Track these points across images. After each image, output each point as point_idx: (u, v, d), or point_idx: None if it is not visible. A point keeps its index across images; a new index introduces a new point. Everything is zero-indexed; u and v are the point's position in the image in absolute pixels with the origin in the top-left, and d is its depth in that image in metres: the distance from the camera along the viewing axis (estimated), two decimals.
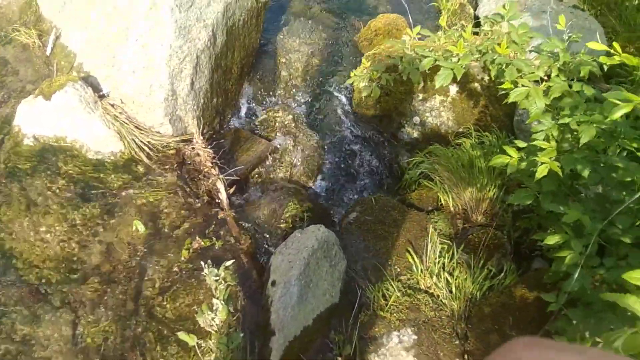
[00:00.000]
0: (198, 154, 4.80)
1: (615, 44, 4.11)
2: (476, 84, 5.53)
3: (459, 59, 4.93)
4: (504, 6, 4.99)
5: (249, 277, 4.36)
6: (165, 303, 4.12)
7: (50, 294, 4.01)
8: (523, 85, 4.39)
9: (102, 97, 4.88)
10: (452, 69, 4.82)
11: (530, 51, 4.93)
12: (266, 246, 4.74)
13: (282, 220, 4.85)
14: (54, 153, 4.58)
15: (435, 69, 5.16)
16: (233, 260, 4.19)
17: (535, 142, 4.04)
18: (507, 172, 4.17)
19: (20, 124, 4.74)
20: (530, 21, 6.18)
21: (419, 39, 5.79)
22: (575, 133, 3.94)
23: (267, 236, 4.80)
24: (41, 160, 4.54)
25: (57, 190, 4.39)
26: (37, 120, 4.72)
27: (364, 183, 5.61)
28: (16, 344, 3.82)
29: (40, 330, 3.85)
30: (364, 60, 6.05)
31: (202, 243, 4.36)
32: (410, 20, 6.66)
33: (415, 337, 4.20)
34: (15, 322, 3.89)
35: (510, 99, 4.36)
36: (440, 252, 4.56)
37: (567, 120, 3.89)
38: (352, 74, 5.85)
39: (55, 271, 4.10)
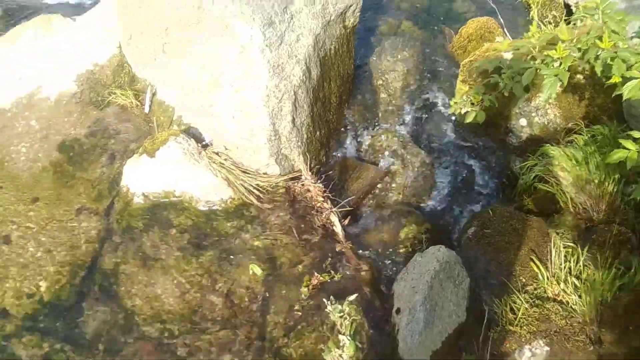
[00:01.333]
0: (308, 190, 4.78)
1: None
2: (579, 76, 5.33)
3: (560, 63, 4.72)
4: None
5: (372, 307, 4.30)
6: (290, 343, 4.10)
7: (175, 347, 4.05)
8: (633, 77, 4.16)
9: (205, 146, 4.96)
10: (556, 75, 4.62)
11: (632, 37, 4.70)
12: (387, 273, 4.67)
13: (400, 245, 4.78)
14: (165, 208, 4.67)
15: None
16: (356, 295, 4.13)
17: None
18: (627, 166, 3.96)
19: (128, 184, 4.87)
20: (619, 3, 5.89)
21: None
22: None
23: (387, 262, 4.74)
24: (153, 216, 4.65)
25: (172, 243, 4.46)
26: (144, 178, 4.82)
27: (478, 195, 5.47)
28: None
29: None
30: (461, 69, 5.91)
31: (321, 278, 4.32)
32: (501, 20, 6.51)
33: (547, 348, 4.05)
34: None
35: (625, 95, 4.14)
36: (565, 256, 4.38)
37: None
38: (452, 103, 5.68)
39: (177, 323, 4.18)
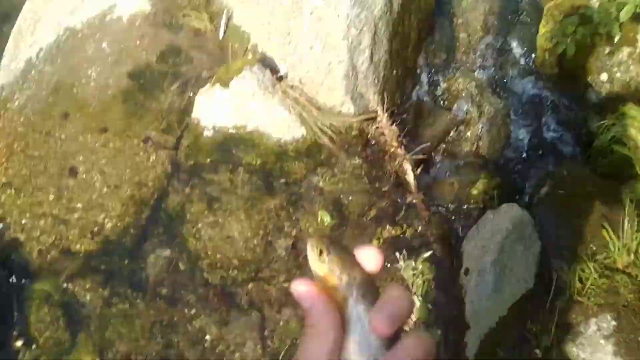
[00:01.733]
0: (383, 133, 4.61)
1: None
2: None
3: None
4: None
5: (441, 266, 4.25)
6: None
7: (237, 295, 4.05)
8: None
9: (280, 79, 4.80)
10: None
11: None
12: (456, 229, 4.59)
13: (471, 200, 4.67)
14: (235, 144, 4.57)
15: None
16: (431, 252, 4.06)
17: None
18: None
19: (199, 116, 4.76)
20: None
21: None
22: None
23: (457, 218, 4.66)
24: (222, 153, 4.56)
25: (239, 184, 4.38)
26: (216, 110, 4.71)
27: (552, 152, 5.30)
28: (206, 349, 3.86)
29: (229, 333, 3.89)
30: (545, 13, 5.65)
31: (393, 232, 4.25)
32: None
33: (614, 323, 3.97)
34: (204, 325, 3.93)
35: None
36: (637, 226, 4.25)
37: None
38: (541, 30, 5.44)
39: (241, 270, 4.15)
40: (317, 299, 0.89)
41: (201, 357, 3.90)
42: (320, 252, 0.92)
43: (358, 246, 0.94)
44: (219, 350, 3.89)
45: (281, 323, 3.97)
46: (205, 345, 3.92)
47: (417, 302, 3.85)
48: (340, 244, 0.94)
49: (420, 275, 3.92)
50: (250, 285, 4.10)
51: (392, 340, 0.87)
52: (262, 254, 4.20)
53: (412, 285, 3.92)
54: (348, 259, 0.92)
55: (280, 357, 3.84)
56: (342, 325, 0.88)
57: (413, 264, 3.90)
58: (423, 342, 0.88)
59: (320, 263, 0.93)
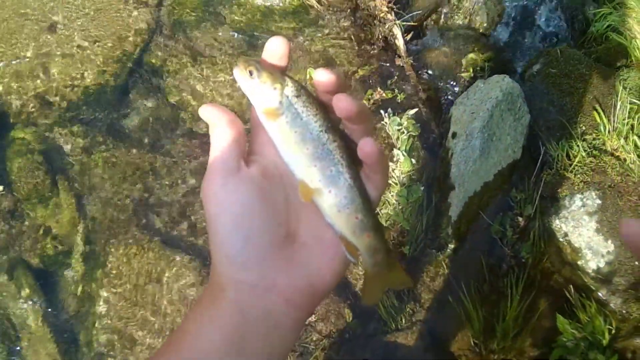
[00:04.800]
0: None
1: None
2: None
3: None
4: None
5: (427, 128, 4.18)
6: None
7: None
8: None
9: None
10: None
11: None
12: (446, 96, 4.47)
13: (462, 69, 4.56)
14: (220, 1, 4.44)
15: None
16: (416, 109, 3.98)
17: None
18: None
19: None
20: None
21: None
22: None
23: (447, 85, 4.54)
24: (206, 9, 4.43)
25: (224, 41, 4.26)
26: None
27: (546, 33, 5.17)
28: (187, 195, 3.79)
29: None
30: None
31: (384, 95, 4.16)
32: None
33: (599, 201, 3.91)
34: (185, 172, 3.86)
35: None
36: (629, 112, 4.18)
37: None
38: None
39: None
40: (212, 110, 0.97)
41: (182, 200, 3.83)
42: (250, 73, 0.97)
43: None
44: (199, 195, 3.81)
45: None
46: (187, 190, 3.84)
47: (402, 157, 3.76)
48: (265, 61, 0.99)
49: (405, 131, 3.83)
50: None
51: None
52: (246, 106, 4.06)
53: (397, 140, 3.83)
54: (276, 71, 0.99)
55: None
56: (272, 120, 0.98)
57: (398, 119, 3.80)
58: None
59: (252, 82, 0.98)
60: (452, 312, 3.82)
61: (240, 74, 0.99)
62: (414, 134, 3.94)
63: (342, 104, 0.93)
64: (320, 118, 0.97)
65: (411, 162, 3.81)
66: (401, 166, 3.76)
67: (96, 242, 3.94)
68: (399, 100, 4.22)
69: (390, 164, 3.76)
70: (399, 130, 3.80)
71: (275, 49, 0.99)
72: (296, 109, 0.98)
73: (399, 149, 3.82)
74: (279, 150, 0.99)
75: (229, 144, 0.96)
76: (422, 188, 3.81)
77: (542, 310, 3.87)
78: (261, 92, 0.98)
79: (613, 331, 3.74)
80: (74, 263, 3.95)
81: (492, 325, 3.80)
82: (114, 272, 3.86)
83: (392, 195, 3.82)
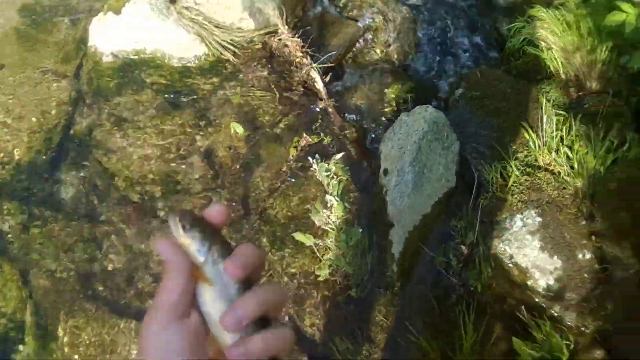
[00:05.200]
0: (286, 45, 4.52)
1: None
2: None
3: None
4: None
5: (359, 168, 4.17)
6: (276, 204, 3.99)
7: (157, 209, 3.97)
8: None
9: (173, 1, 4.67)
10: None
11: None
12: (372, 133, 4.48)
13: (385, 104, 4.55)
14: (137, 66, 4.48)
15: None
16: (343, 153, 3.97)
17: None
18: (624, 30, 3.77)
19: (95, 44, 4.64)
20: None
21: None
22: None
23: (372, 122, 4.54)
24: (124, 75, 4.44)
25: (146, 103, 4.27)
26: (112, 37, 4.60)
27: (464, 55, 5.22)
28: (131, 261, 3.80)
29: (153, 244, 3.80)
30: None
31: (310, 140, 4.15)
32: None
33: (539, 219, 3.91)
34: (126, 239, 3.83)
35: None
36: (556, 124, 4.20)
37: None
38: None
39: (158, 185, 4.06)
40: (172, 252, 1.01)
41: (126, 267, 3.78)
42: (183, 227, 1.02)
43: (206, 208, 1.07)
44: (142, 260, 3.80)
45: None
46: (129, 257, 3.80)
47: (335, 202, 3.73)
48: (199, 217, 1.06)
49: (335, 176, 3.80)
50: (168, 198, 4.00)
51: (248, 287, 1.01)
52: (177, 167, 4.09)
53: (328, 186, 3.80)
54: (207, 229, 1.04)
55: None
56: (197, 277, 1.01)
57: (326, 165, 3.77)
58: (275, 289, 1.04)
59: (183, 235, 1.02)
60: (408, 348, 3.78)
61: (174, 225, 1.03)
62: (343, 177, 3.90)
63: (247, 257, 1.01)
64: (239, 281, 1.00)
65: (344, 206, 3.77)
66: (335, 211, 3.73)
67: (45, 315, 3.85)
68: (326, 143, 4.19)
69: (325, 210, 3.73)
70: (327, 176, 3.77)
71: (214, 214, 1.06)
72: (219, 269, 1.00)
73: (331, 194, 3.78)
74: (199, 302, 1.02)
75: (182, 289, 0.99)
76: (360, 230, 3.76)
77: (497, 335, 3.83)
78: (190, 247, 1.02)
79: (572, 346, 3.72)
80: (26, 339, 3.85)
81: (449, 357, 3.76)
82: (65, 345, 3.77)
83: (331, 241, 3.77)
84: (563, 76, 4.60)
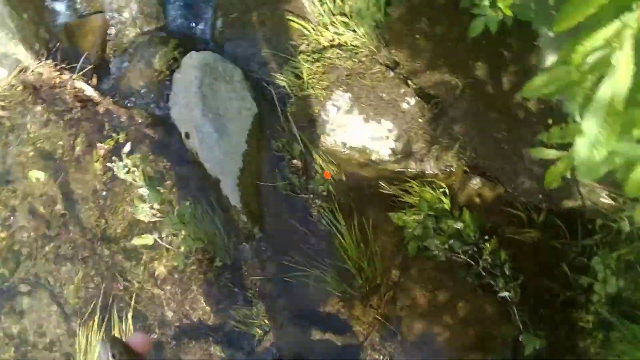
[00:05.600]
0: (40, 73, 4.29)
1: None
2: None
3: None
4: None
5: (161, 145, 4.07)
6: (110, 222, 3.88)
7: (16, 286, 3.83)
8: None
9: None
10: None
11: None
12: (159, 106, 4.33)
13: (157, 73, 4.36)
14: None
15: None
16: (129, 143, 3.85)
17: None
18: None
19: None
20: None
21: None
22: None
23: (153, 95, 4.37)
24: None
25: None
26: None
27: None
28: None
29: None
30: None
31: (106, 146, 4.03)
32: None
33: (349, 94, 3.85)
34: None
35: None
36: (321, 3, 4.07)
37: None
38: None
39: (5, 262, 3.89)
40: None
41: None
42: (113, 356, 1.14)
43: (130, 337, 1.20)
44: None
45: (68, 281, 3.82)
46: None
47: (146, 192, 3.59)
48: (126, 345, 1.18)
49: (135, 169, 3.63)
50: (22, 269, 3.86)
51: None
52: (10, 236, 3.93)
53: (135, 181, 3.64)
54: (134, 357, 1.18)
55: None
56: None
57: (121, 163, 3.61)
58: None
59: None
60: (304, 285, 3.69)
61: (104, 352, 1.14)
62: (144, 165, 3.75)
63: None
64: None
65: (157, 190, 3.62)
66: (153, 200, 3.57)
67: None
68: (122, 141, 4.05)
69: (144, 204, 3.61)
70: (127, 172, 3.60)
71: (136, 341, 1.19)
72: None
73: (141, 186, 3.61)
74: None
75: None
76: (188, 203, 3.63)
77: (374, 223, 3.76)
78: None
79: (447, 190, 3.67)
80: None
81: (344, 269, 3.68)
82: None
83: (170, 231, 3.64)
84: None
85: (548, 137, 1.85)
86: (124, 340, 1.19)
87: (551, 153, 1.85)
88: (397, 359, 3.50)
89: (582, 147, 1.33)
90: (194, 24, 4.72)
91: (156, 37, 4.62)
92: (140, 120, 4.13)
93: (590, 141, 1.31)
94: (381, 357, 3.52)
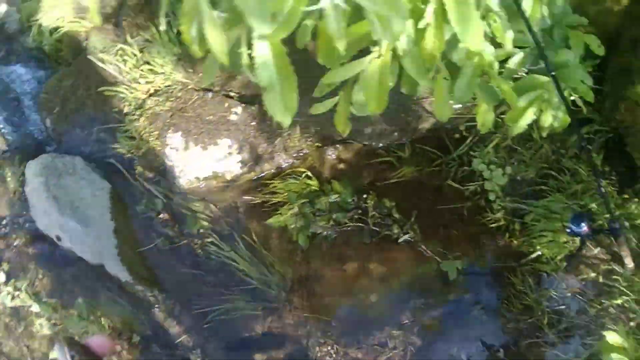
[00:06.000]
0: None
1: None
2: None
3: None
4: None
5: (41, 258, 4.15)
6: (30, 347, 3.62)
7: None
8: None
9: None
10: None
11: None
12: (29, 221, 4.35)
13: (13, 194, 4.46)
14: None
15: None
16: (2, 272, 3.95)
17: None
18: None
19: None
20: None
21: None
22: None
23: (19, 215, 4.43)
24: None
25: None
26: None
27: None
28: None
29: None
30: None
31: None
32: None
33: (179, 133, 3.97)
34: None
35: None
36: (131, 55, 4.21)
37: None
38: None
39: None
40: None
41: None
42: (72, 357, 1.19)
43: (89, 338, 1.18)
44: None
45: None
46: None
47: (37, 308, 3.70)
48: (84, 346, 1.17)
49: (19, 292, 3.79)
50: None
51: None
52: None
53: (25, 302, 3.76)
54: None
55: None
56: None
57: (3, 294, 3.75)
58: None
59: None
60: None
61: (61, 353, 1.14)
62: (26, 284, 3.89)
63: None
64: None
65: (46, 303, 3.75)
66: (46, 313, 3.69)
67: None
68: (7, 270, 4.12)
69: (39, 319, 3.71)
70: (12, 298, 3.75)
71: (95, 343, 1.26)
72: None
73: (30, 306, 3.75)
74: None
75: None
76: (80, 300, 3.67)
77: (263, 235, 3.90)
78: None
79: (309, 173, 3.81)
80: None
81: None
82: None
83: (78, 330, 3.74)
84: None
85: (319, 91, 2.01)
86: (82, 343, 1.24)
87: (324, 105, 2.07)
88: (342, 342, 3.62)
89: None
90: (29, 131, 4.80)
91: (1, 159, 4.69)
92: (16, 243, 4.25)
93: None
94: (328, 348, 3.64)
